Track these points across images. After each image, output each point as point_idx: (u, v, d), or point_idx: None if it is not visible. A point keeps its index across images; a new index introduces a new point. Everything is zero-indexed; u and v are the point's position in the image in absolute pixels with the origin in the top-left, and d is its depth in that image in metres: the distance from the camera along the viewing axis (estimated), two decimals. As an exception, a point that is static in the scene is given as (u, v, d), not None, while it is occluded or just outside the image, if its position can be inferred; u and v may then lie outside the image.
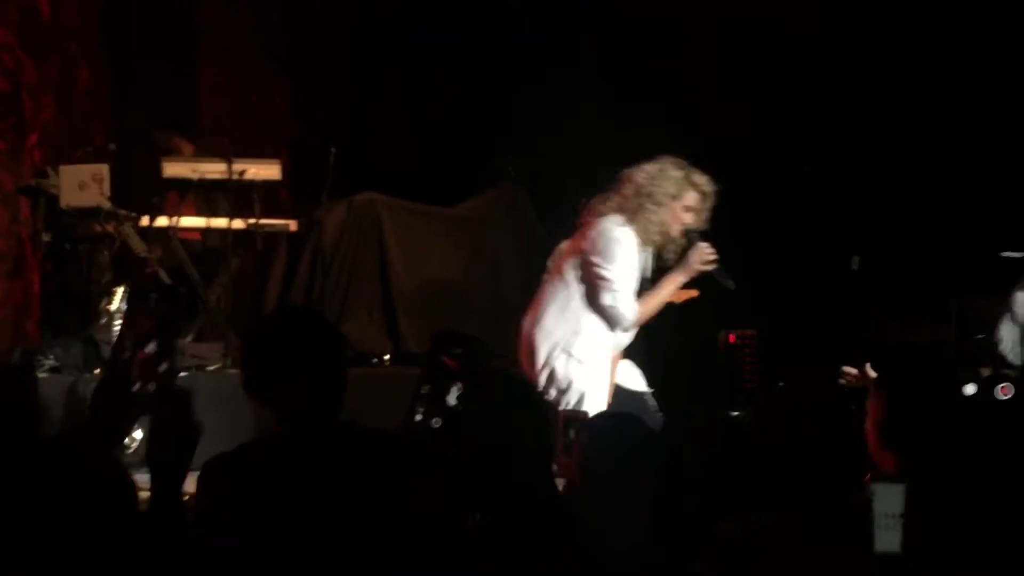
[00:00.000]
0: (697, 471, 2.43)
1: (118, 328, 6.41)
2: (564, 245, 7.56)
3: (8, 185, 8.71)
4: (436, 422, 3.16)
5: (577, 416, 3.36)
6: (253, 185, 7.72)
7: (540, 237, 8.40)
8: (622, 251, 4.92)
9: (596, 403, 5.02)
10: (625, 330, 5.00)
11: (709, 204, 5.06)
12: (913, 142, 8.43)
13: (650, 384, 7.70)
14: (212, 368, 7.41)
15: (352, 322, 7.96)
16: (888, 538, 2.74)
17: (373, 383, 7.41)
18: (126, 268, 7.50)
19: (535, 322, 5.14)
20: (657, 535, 2.46)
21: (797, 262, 8.72)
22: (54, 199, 7.49)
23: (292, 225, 8.09)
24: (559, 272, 5.16)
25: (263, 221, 7.77)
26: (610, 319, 4.95)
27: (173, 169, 7.86)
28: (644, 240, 4.98)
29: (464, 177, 8.77)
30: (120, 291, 6.42)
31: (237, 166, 7.59)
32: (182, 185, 7.92)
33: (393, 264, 8.07)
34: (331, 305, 7.93)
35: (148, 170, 8.38)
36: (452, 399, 3.13)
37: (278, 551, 2.64)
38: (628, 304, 4.93)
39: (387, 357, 8.04)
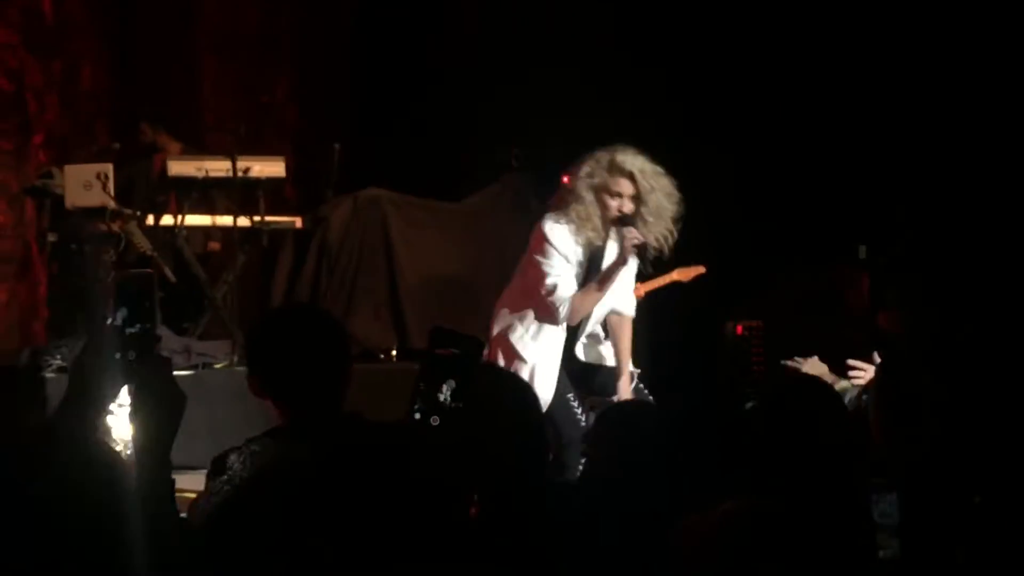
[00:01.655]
0: (706, 458, 2.42)
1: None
2: None
3: (14, 186, 8.74)
4: (434, 420, 3.15)
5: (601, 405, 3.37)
6: (258, 182, 7.72)
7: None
8: (554, 246, 5.06)
9: (544, 379, 5.13)
10: (574, 320, 5.09)
11: (651, 184, 5.05)
12: (921, 128, 8.39)
13: (654, 375, 7.69)
14: (219, 365, 7.42)
15: (358, 318, 7.96)
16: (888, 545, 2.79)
17: (379, 379, 7.41)
18: (131, 266, 7.51)
19: (499, 304, 5.32)
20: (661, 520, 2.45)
21: (803, 251, 8.70)
22: (60, 199, 7.49)
23: (298, 222, 8.09)
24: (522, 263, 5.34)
25: (268, 218, 7.77)
26: (561, 314, 5.05)
27: (178, 168, 7.85)
28: (578, 233, 5.04)
29: (468, 170, 8.76)
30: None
31: (242, 163, 7.57)
32: (187, 183, 7.92)
33: (398, 260, 8.06)
34: (337, 301, 7.93)
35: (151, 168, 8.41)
36: (444, 396, 3.13)
37: (285, 545, 2.64)
38: (561, 296, 5.06)
39: (393, 352, 8.04)
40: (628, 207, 5.03)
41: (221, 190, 7.93)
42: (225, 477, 2.76)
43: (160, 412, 2.46)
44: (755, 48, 8.54)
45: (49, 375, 6.95)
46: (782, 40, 8.56)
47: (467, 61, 9.37)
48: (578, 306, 5.06)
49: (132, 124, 8.88)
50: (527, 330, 5.20)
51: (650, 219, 5.04)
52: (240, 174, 7.55)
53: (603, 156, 5.07)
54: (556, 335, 5.21)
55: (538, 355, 5.18)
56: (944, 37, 8.12)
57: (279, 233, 8.01)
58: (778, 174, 8.65)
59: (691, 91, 8.66)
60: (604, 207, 5.02)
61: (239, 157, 7.56)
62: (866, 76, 8.45)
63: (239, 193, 7.66)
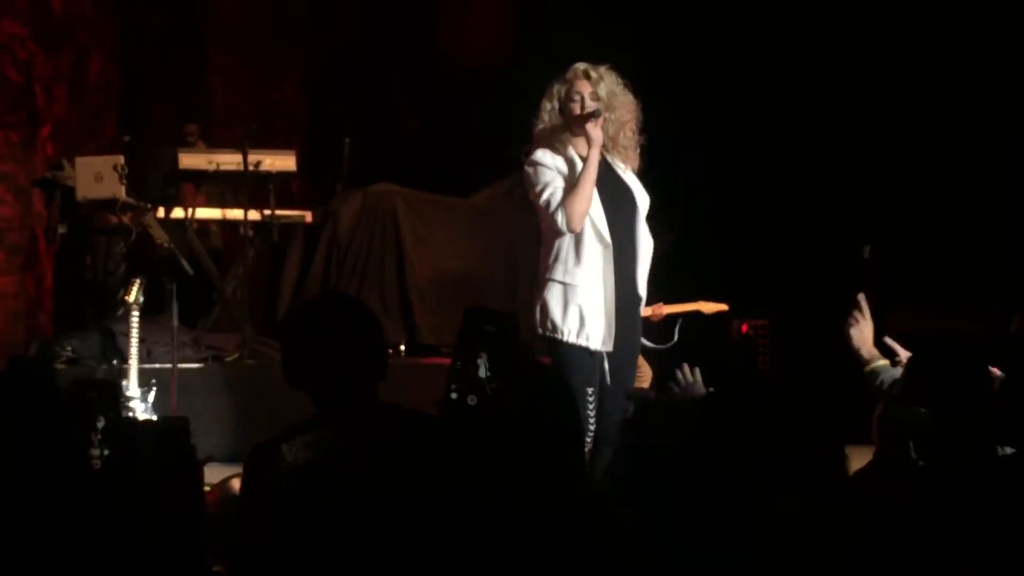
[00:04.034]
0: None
1: (135, 320, 6.40)
2: None
3: (21, 178, 8.72)
4: (471, 399, 3.16)
5: (639, 394, 3.36)
6: (269, 176, 7.72)
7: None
8: (541, 167, 5.15)
9: (594, 321, 5.09)
10: (575, 223, 5.08)
11: (599, 75, 5.16)
12: (924, 128, 8.41)
13: (661, 374, 7.61)
14: (229, 359, 7.42)
15: (367, 313, 7.95)
16: None
17: (388, 374, 7.41)
18: (142, 258, 7.51)
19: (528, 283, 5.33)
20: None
21: (809, 250, 8.71)
22: (70, 191, 7.48)
23: (308, 216, 8.09)
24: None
25: (279, 212, 7.77)
26: (559, 222, 5.10)
27: (188, 160, 7.85)
28: (556, 150, 5.18)
29: (478, 166, 8.75)
30: (137, 283, 6.40)
31: (253, 157, 7.57)
32: (197, 176, 7.92)
33: (408, 255, 8.06)
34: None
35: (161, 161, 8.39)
36: (482, 372, 3.14)
37: (324, 532, 2.65)
38: (554, 203, 5.12)
39: (402, 348, 8.04)
40: (590, 105, 5.15)
41: (231, 184, 7.93)
42: (283, 467, 2.76)
43: None
44: (758, 50, 8.56)
45: (59, 366, 6.95)
46: (779, 42, 8.58)
47: (475, 56, 9.36)
48: (571, 205, 5.11)
49: (140, 116, 8.88)
50: (559, 281, 5.16)
51: (610, 115, 5.15)
52: (251, 168, 7.55)
53: (553, 84, 5.25)
54: (594, 270, 5.16)
55: (582, 297, 5.14)
56: (947, 39, 8.15)
57: (289, 227, 8.01)
58: (783, 173, 8.67)
59: (699, 93, 8.68)
60: (570, 113, 5.16)
61: (249, 151, 7.55)
62: (868, 75, 8.48)
63: (249, 187, 7.64)
